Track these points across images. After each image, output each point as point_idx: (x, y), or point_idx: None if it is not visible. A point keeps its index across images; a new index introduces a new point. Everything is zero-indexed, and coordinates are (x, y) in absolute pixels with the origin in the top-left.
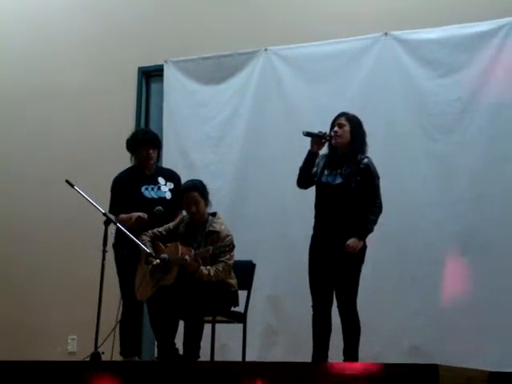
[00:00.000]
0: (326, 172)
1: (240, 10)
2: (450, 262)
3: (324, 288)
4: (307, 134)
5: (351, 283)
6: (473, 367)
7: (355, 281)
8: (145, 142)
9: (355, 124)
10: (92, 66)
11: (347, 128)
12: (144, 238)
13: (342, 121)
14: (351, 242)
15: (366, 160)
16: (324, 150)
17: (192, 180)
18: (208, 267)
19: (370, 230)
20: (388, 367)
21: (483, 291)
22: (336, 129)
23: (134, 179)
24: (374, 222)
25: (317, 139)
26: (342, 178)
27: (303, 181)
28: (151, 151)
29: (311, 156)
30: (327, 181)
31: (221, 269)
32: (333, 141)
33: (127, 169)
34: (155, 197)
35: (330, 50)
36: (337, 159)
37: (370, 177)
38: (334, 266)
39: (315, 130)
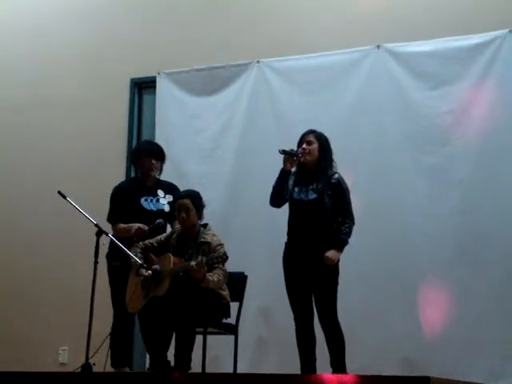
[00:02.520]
0: (296, 189)
1: (233, 22)
2: (441, 274)
3: (304, 301)
4: (283, 152)
5: (330, 295)
6: (464, 379)
7: (334, 292)
8: (149, 152)
9: (323, 141)
10: (85, 77)
11: (315, 145)
12: (135, 249)
13: (311, 138)
14: (330, 253)
15: (336, 175)
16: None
17: (189, 189)
18: (211, 274)
19: (346, 242)
20: (379, 379)
21: (475, 303)
22: (304, 146)
23: (134, 190)
24: (349, 234)
25: (289, 157)
26: (315, 193)
27: (276, 199)
28: (154, 162)
29: (284, 174)
30: (300, 197)
31: (221, 276)
32: (302, 158)
33: (128, 179)
34: (154, 209)
35: (322, 62)
36: (306, 176)
37: (341, 191)
38: (312, 280)
39: (294, 148)
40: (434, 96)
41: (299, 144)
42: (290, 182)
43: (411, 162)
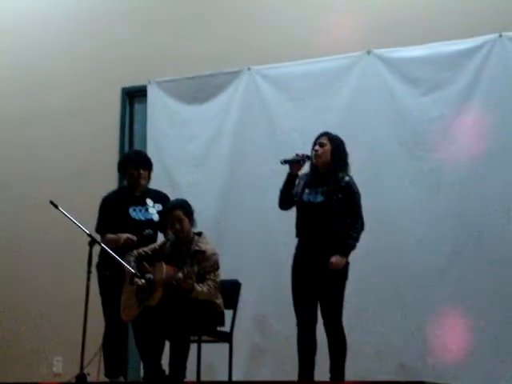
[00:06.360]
0: (306, 191)
1: (222, 29)
2: (435, 279)
3: (308, 306)
4: (285, 162)
5: (336, 300)
6: None
7: (340, 298)
8: (136, 162)
9: (336, 143)
10: (75, 87)
11: (328, 147)
12: (129, 258)
13: (324, 140)
14: (334, 259)
15: (347, 178)
16: (304, 170)
17: (176, 199)
18: (200, 285)
19: (353, 247)
20: None
21: (470, 307)
22: (317, 148)
23: (123, 200)
24: (356, 238)
25: (295, 163)
26: (323, 196)
27: (284, 202)
28: (142, 171)
29: (291, 178)
30: (308, 199)
31: (212, 286)
32: (313, 160)
33: (117, 189)
34: (142, 218)
35: (312, 68)
36: (318, 178)
37: (351, 194)
38: (318, 284)
39: (293, 154)
40: (426, 101)
41: (313, 146)
42: (301, 183)
43: (403, 167)
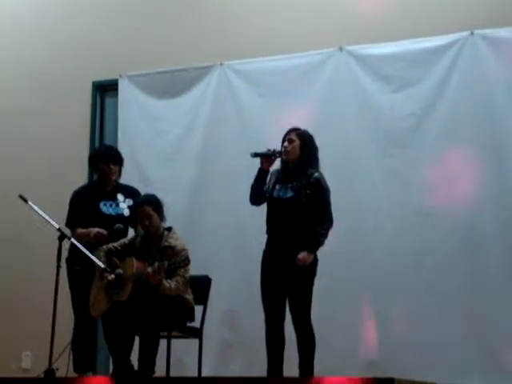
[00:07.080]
0: (277, 187)
1: (195, 24)
2: (404, 276)
3: (276, 302)
4: (255, 155)
5: (304, 296)
6: (428, 380)
7: (308, 294)
8: (106, 157)
9: (305, 139)
10: (46, 81)
11: (297, 143)
12: (99, 253)
13: (292, 136)
14: (301, 255)
15: (316, 174)
16: (276, 166)
17: (145, 194)
18: (169, 281)
19: (321, 243)
20: (344, 381)
21: (437, 304)
22: (286, 144)
23: (93, 194)
24: (325, 235)
25: (266, 158)
26: (292, 191)
27: (255, 198)
28: (112, 166)
29: (262, 173)
30: (278, 195)
31: (180, 282)
32: (283, 156)
33: (88, 183)
34: (113, 213)
35: (284, 64)
36: (288, 174)
37: (320, 190)
38: (286, 280)
39: (264, 148)
40: (397, 98)
41: (282, 142)
42: (273, 180)
43: (375, 165)
